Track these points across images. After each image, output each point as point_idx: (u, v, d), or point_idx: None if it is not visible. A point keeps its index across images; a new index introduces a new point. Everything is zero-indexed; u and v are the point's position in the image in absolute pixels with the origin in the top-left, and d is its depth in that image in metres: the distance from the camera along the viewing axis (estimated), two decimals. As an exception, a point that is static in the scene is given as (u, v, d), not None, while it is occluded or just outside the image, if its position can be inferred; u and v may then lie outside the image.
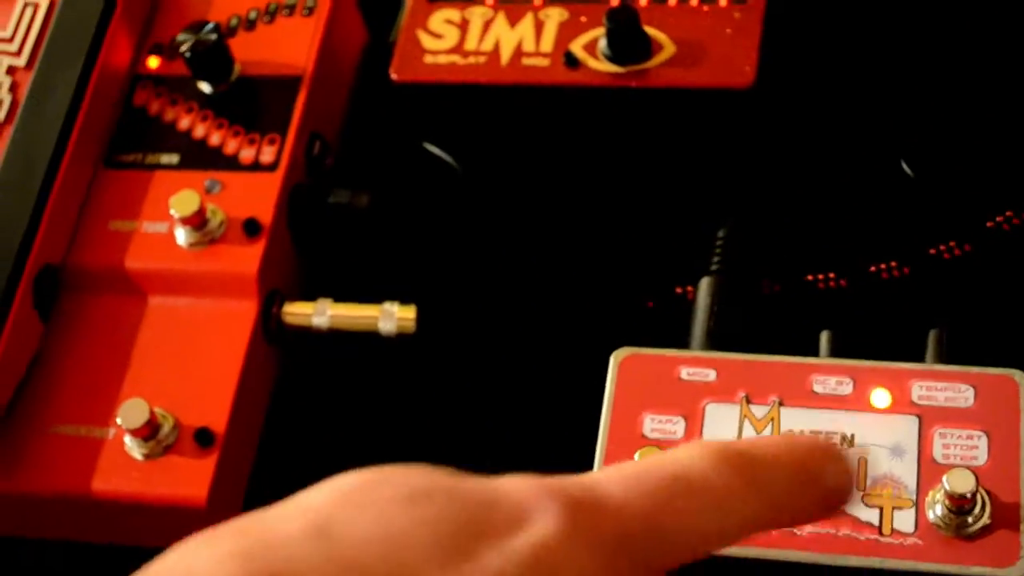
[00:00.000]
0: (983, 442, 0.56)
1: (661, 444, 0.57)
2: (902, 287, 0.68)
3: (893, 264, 0.68)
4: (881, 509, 0.55)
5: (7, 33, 0.74)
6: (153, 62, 0.75)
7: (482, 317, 0.71)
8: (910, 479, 0.55)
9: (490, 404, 0.69)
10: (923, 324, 0.61)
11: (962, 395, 0.57)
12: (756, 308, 0.67)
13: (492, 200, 0.74)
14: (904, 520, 0.54)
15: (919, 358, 0.60)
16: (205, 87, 0.73)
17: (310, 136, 0.73)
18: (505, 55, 0.72)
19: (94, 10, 0.73)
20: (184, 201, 0.68)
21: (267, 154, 0.71)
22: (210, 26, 0.72)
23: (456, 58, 0.72)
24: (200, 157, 0.71)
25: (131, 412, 0.63)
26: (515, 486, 0.38)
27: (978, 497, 0.54)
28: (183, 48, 0.72)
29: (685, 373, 0.59)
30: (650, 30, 0.71)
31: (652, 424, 0.58)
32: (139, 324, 0.68)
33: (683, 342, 0.64)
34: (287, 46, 0.74)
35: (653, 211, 0.72)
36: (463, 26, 0.73)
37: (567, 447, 0.59)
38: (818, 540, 0.54)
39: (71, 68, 0.71)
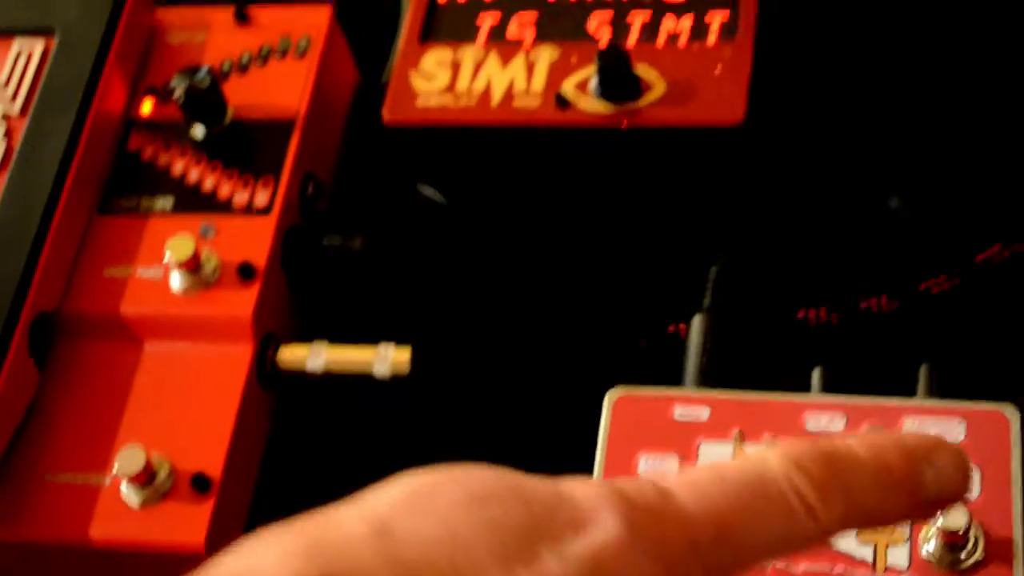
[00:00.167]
0: (975, 477, 0.56)
1: (655, 484, 0.57)
2: (892, 322, 0.68)
3: (883, 299, 0.68)
4: (875, 546, 0.55)
5: (1, 79, 0.74)
6: (147, 107, 0.76)
7: (477, 358, 0.71)
8: (903, 515, 0.55)
9: (485, 444, 0.69)
10: (914, 359, 0.61)
11: (953, 430, 0.57)
12: (748, 345, 0.67)
13: (485, 241, 0.75)
14: (898, 556, 0.55)
15: (910, 393, 0.61)
16: (199, 131, 0.73)
17: (304, 178, 0.73)
18: (496, 96, 0.72)
19: (88, 57, 0.73)
20: (179, 246, 0.68)
21: (261, 197, 0.71)
22: (203, 70, 0.73)
23: (448, 99, 0.73)
24: (194, 201, 0.72)
25: (127, 459, 0.63)
26: (579, 489, 0.38)
27: (971, 533, 0.54)
28: (176, 93, 0.72)
29: (679, 412, 0.59)
30: (640, 69, 0.71)
31: (647, 463, 0.58)
32: (135, 370, 0.68)
33: (676, 380, 0.65)
34: (280, 89, 0.75)
35: (645, 250, 0.73)
36: (454, 67, 0.74)
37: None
38: (812, 578, 0.54)
39: (65, 115, 0.72)
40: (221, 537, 0.65)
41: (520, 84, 0.73)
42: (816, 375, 0.62)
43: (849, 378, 0.61)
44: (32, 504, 0.65)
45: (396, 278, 0.73)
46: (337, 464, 0.70)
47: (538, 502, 0.37)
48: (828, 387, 0.61)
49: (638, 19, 0.74)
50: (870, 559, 0.55)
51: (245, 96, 0.74)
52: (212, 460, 0.65)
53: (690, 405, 0.59)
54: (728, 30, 0.72)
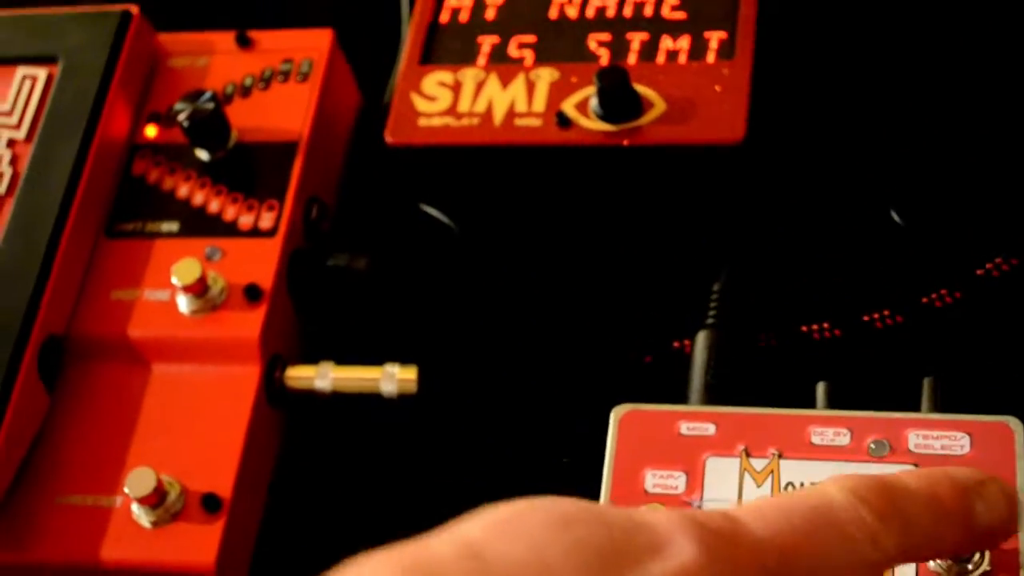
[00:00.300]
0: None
1: (663, 499, 0.57)
2: (896, 336, 0.68)
3: (886, 313, 0.69)
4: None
5: (7, 106, 0.75)
6: (151, 131, 0.76)
7: (483, 376, 0.72)
8: (910, 528, 0.56)
9: (492, 462, 0.70)
10: (917, 372, 0.62)
11: (958, 443, 0.57)
12: (752, 360, 0.68)
13: (489, 259, 0.75)
14: (906, 569, 0.55)
15: (914, 406, 0.61)
16: (203, 155, 0.74)
17: (308, 200, 0.74)
18: (498, 116, 0.73)
19: (92, 83, 0.74)
20: (185, 270, 0.68)
21: (266, 220, 0.72)
22: (207, 95, 0.73)
23: (450, 120, 0.73)
24: (200, 224, 0.72)
25: (138, 480, 0.64)
26: (656, 516, 0.40)
27: (978, 544, 0.54)
28: (181, 117, 0.73)
29: (685, 428, 0.59)
30: (640, 88, 0.72)
31: (654, 480, 0.58)
32: (143, 392, 0.69)
33: (682, 396, 0.65)
34: (283, 112, 0.75)
35: (648, 267, 0.73)
36: (456, 88, 0.74)
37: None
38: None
39: (71, 140, 0.72)
40: (232, 556, 0.65)
41: (521, 104, 0.73)
42: (820, 389, 0.62)
43: (853, 392, 0.61)
44: (43, 526, 0.66)
45: (401, 298, 0.74)
46: (346, 482, 0.70)
47: (617, 527, 0.39)
48: (832, 401, 0.62)
49: (637, 39, 0.74)
50: (878, 571, 0.55)
51: (248, 119, 0.75)
52: (222, 480, 0.65)
53: (696, 421, 0.60)
54: (727, 49, 0.73)
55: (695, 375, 0.65)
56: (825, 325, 0.69)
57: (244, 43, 0.78)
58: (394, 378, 0.69)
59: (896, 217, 0.72)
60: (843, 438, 0.58)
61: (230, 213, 0.72)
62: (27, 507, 0.66)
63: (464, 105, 0.74)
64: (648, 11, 0.75)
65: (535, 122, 0.72)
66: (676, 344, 0.70)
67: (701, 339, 0.66)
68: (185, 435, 0.67)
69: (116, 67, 0.75)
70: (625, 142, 0.71)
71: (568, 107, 0.72)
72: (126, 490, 0.64)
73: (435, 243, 0.76)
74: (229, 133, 0.74)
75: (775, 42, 0.74)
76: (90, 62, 0.75)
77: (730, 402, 0.61)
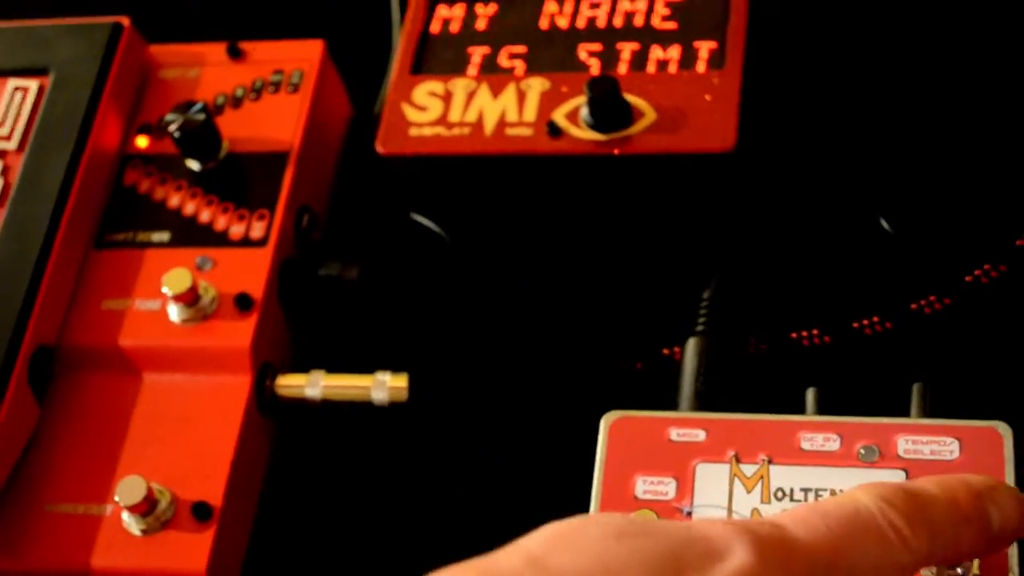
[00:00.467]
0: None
1: (654, 506, 0.57)
2: (885, 342, 0.69)
3: (875, 320, 0.69)
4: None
5: (-2, 117, 0.75)
6: (142, 142, 0.76)
7: (473, 384, 0.72)
8: (899, 533, 0.56)
9: (483, 469, 0.70)
10: (906, 378, 0.62)
11: (947, 448, 0.57)
12: (742, 367, 0.68)
13: (480, 268, 0.75)
14: None
15: (904, 412, 0.61)
16: (194, 165, 0.74)
17: (299, 210, 0.74)
18: (489, 126, 0.73)
19: (83, 93, 0.74)
20: (176, 279, 0.69)
21: (257, 230, 0.72)
22: (198, 105, 0.73)
23: (441, 130, 0.74)
24: (191, 234, 0.72)
25: (128, 489, 0.64)
26: (708, 525, 0.43)
27: (967, 550, 0.54)
28: (172, 128, 0.73)
29: (675, 434, 0.59)
30: (630, 97, 0.72)
31: (644, 486, 0.58)
32: (134, 401, 0.69)
33: (672, 402, 0.65)
34: (274, 122, 0.75)
35: (638, 274, 0.73)
36: (447, 98, 0.75)
37: (560, 511, 0.59)
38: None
39: (62, 151, 0.73)
40: (222, 565, 0.65)
41: (512, 114, 0.73)
42: (810, 395, 0.62)
43: (843, 398, 0.61)
44: (34, 534, 0.66)
45: (392, 307, 0.74)
46: (337, 490, 0.70)
47: (675, 538, 0.42)
48: (822, 407, 0.62)
49: (627, 49, 0.75)
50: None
51: (239, 130, 0.75)
52: (213, 489, 0.65)
53: (686, 427, 0.60)
54: (717, 58, 0.73)
55: (685, 382, 0.65)
56: (815, 331, 0.69)
57: (235, 54, 0.78)
58: (385, 386, 0.69)
59: (885, 224, 0.72)
60: (833, 444, 0.58)
61: (221, 223, 0.72)
62: (18, 516, 0.66)
63: (455, 115, 0.74)
64: (638, 21, 0.76)
65: (526, 132, 0.73)
66: (666, 351, 0.70)
67: (691, 346, 0.66)
68: (176, 444, 0.67)
69: (107, 78, 0.75)
70: (616, 151, 0.71)
71: (559, 117, 0.72)
72: (117, 498, 0.64)
73: (426, 252, 0.76)
74: (220, 143, 0.74)
75: (765, 51, 0.74)
76: (81, 74, 0.75)
77: (720, 408, 0.61)
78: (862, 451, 0.58)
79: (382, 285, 0.73)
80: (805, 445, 0.58)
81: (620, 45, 0.75)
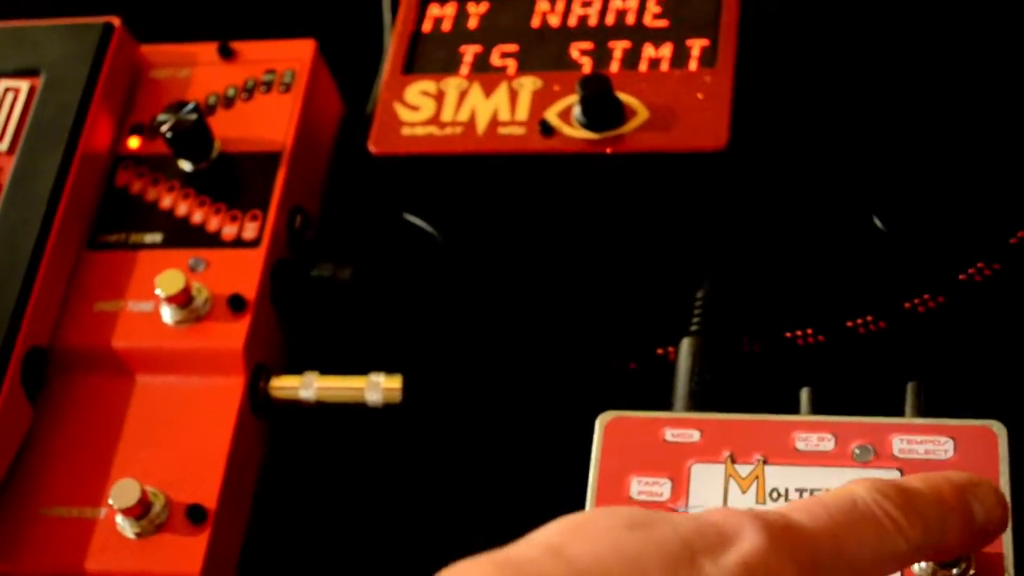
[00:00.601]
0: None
1: (649, 506, 0.57)
2: (879, 341, 0.69)
3: (869, 319, 0.69)
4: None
5: (-12, 119, 0.75)
6: (134, 142, 0.76)
7: (467, 384, 0.72)
8: (894, 532, 0.56)
9: (477, 470, 0.70)
10: (901, 377, 0.62)
11: (942, 447, 0.57)
12: (737, 366, 0.68)
13: (473, 268, 0.75)
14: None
15: (898, 411, 0.61)
16: (186, 165, 0.74)
17: (291, 211, 0.74)
18: (481, 125, 0.73)
19: (74, 95, 0.74)
20: (169, 281, 0.68)
21: (249, 230, 0.72)
22: (190, 106, 0.73)
23: (433, 129, 0.73)
24: (183, 235, 0.72)
25: (122, 492, 0.64)
26: (717, 514, 0.44)
27: (963, 549, 0.54)
28: (164, 128, 0.73)
29: (670, 435, 0.59)
30: (623, 96, 0.72)
31: (639, 486, 0.58)
32: (128, 403, 0.69)
33: (666, 402, 0.65)
34: (266, 122, 0.75)
35: (632, 274, 0.73)
36: (439, 97, 0.74)
37: (555, 512, 0.59)
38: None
39: (53, 152, 0.72)
40: (217, 567, 0.65)
41: (504, 113, 0.73)
42: (804, 395, 0.62)
43: (837, 398, 0.61)
44: (27, 538, 0.66)
45: (385, 307, 0.74)
46: (331, 491, 0.70)
47: (685, 526, 0.43)
48: (817, 407, 0.62)
49: (619, 47, 0.75)
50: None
51: (231, 130, 0.75)
52: (207, 491, 0.65)
53: (680, 427, 0.60)
54: (709, 56, 0.73)
55: (679, 382, 0.65)
56: (809, 331, 0.69)
57: (226, 54, 0.78)
58: (379, 387, 0.69)
59: (878, 223, 0.72)
60: (827, 443, 0.58)
61: (213, 224, 0.72)
62: (11, 519, 0.66)
63: (447, 114, 0.74)
64: (630, 19, 0.75)
65: (518, 131, 0.72)
66: (660, 351, 0.70)
67: (685, 346, 0.66)
68: (169, 446, 0.67)
69: (98, 79, 0.75)
70: (608, 150, 0.71)
71: (551, 115, 0.72)
72: (111, 501, 0.64)
73: (419, 252, 0.76)
74: (212, 144, 0.74)
75: (757, 49, 0.74)
76: (72, 74, 0.75)
77: (715, 408, 0.61)
78: (857, 451, 0.58)
79: (375, 285, 0.73)
80: (800, 445, 0.58)
81: (612, 43, 0.75)
